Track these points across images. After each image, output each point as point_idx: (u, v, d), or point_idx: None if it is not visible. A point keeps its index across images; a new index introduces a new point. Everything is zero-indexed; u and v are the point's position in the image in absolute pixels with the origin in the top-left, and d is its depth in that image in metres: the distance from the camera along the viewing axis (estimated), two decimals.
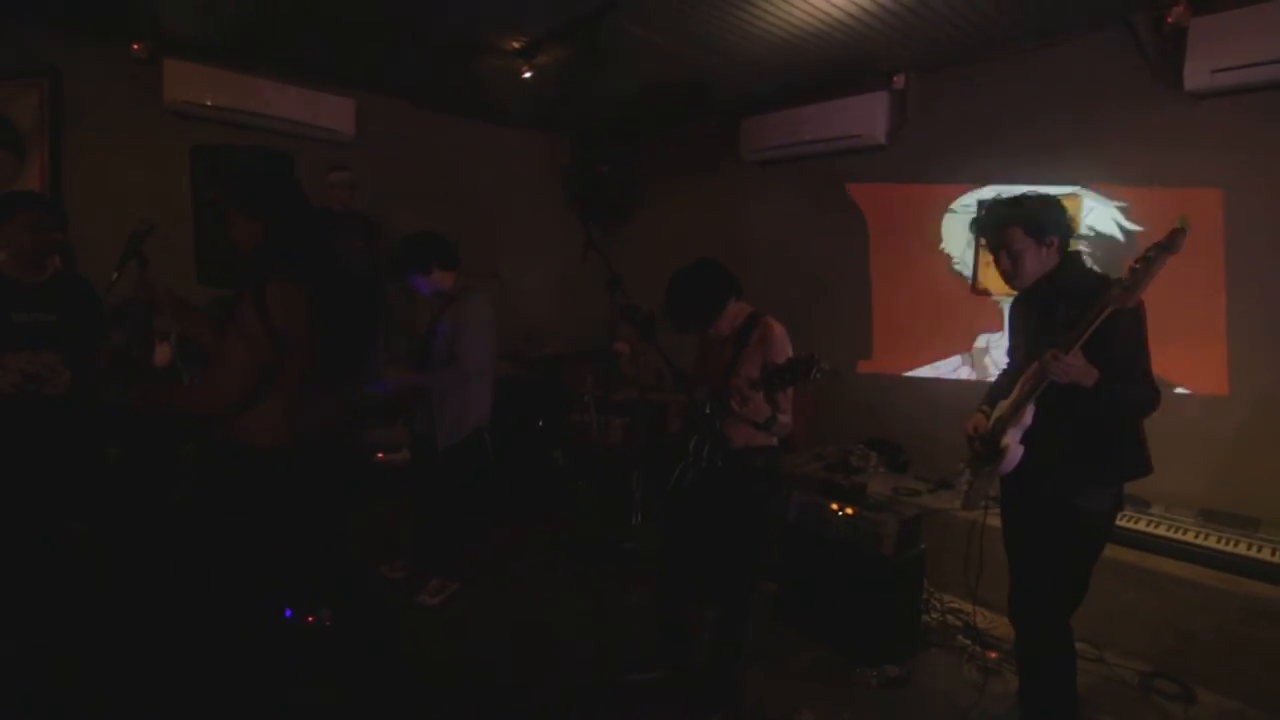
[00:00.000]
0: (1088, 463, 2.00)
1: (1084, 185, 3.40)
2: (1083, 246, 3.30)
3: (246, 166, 3.33)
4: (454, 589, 3.30)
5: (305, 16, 3.59)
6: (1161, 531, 2.95)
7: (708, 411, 2.38)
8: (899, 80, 4.01)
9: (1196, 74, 2.88)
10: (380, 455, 4.38)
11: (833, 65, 3.94)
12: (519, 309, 5.22)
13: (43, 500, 2.84)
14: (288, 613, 2.86)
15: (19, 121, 3.74)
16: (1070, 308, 1.94)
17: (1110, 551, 2.89)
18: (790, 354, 2.40)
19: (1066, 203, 2.13)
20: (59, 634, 2.72)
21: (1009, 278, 2.11)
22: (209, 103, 4.09)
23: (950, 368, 4.04)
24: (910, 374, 4.20)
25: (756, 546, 2.55)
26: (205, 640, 2.44)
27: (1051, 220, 2.05)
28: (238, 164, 3.56)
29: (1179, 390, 3.19)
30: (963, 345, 3.96)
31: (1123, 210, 3.35)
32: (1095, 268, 2.26)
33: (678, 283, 2.47)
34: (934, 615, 3.14)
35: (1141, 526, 2.98)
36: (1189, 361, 3.16)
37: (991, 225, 2.11)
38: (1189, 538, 2.88)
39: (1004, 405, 2.09)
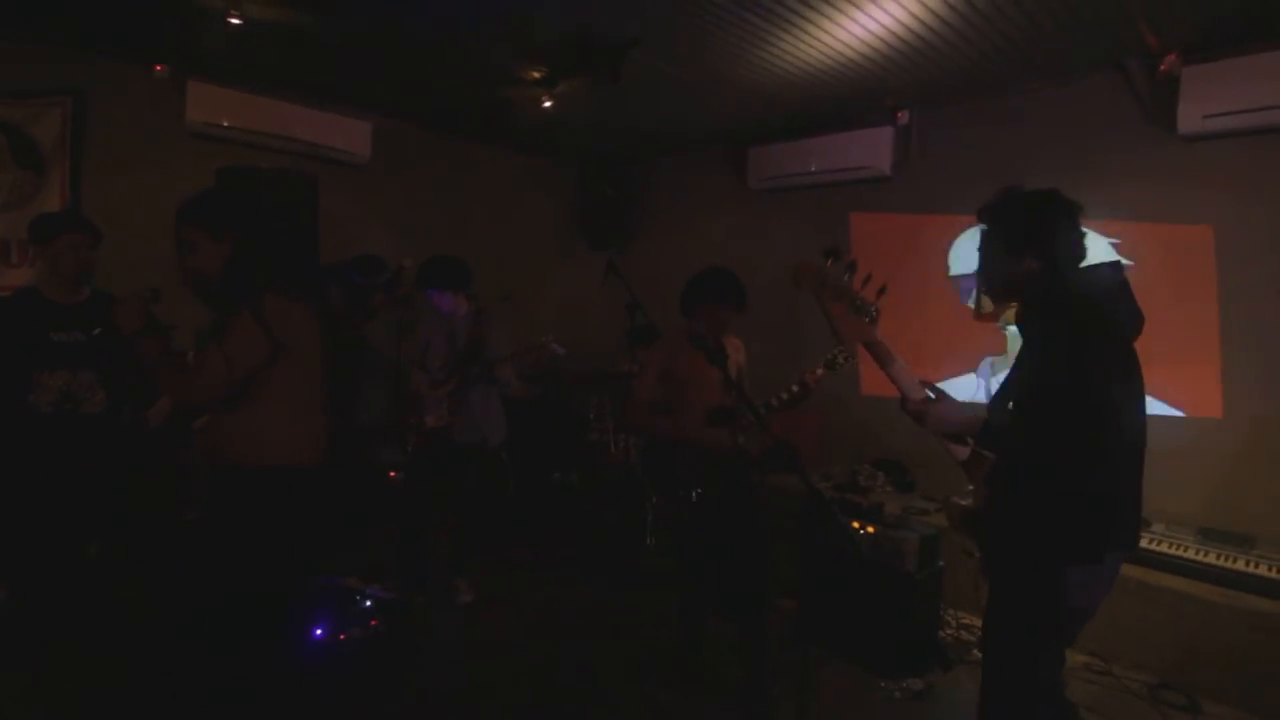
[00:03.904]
0: (1010, 536, 1.75)
1: (1081, 217, 3.59)
2: None
3: (209, 191, 3.40)
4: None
5: (326, 44, 3.67)
6: (1164, 549, 3.09)
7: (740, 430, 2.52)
8: (903, 116, 4.19)
9: (1189, 118, 3.09)
10: (392, 474, 4.40)
11: (842, 100, 4.12)
12: (527, 331, 5.29)
13: (67, 520, 2.84)
14: (318, 633, 2.89)
15: (40, 140, 3.74)
16: (1031, 333, 1.77)
17: None
18: None
19: None
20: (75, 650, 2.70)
21: (981, 280, 1.92)
22: (226, 124, 4.13)
23: (960, 389, 4.19)
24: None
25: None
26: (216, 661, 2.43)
27: (1020, 230, 1.77)
28: (265, 186, 3.62)
29: (1175, 413, 3.37)
30: (968, 365, 4.12)
31: (1115, 246, 3.53)
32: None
33: (731, 273, 2.71)
34: (949, 631, 3.24)
35: (1144, 544, 3.12)
36: (1184, 386, 3.34)
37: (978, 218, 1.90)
38: (1190, 555, 3.03)
39: None
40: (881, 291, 1.75)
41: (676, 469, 2.65)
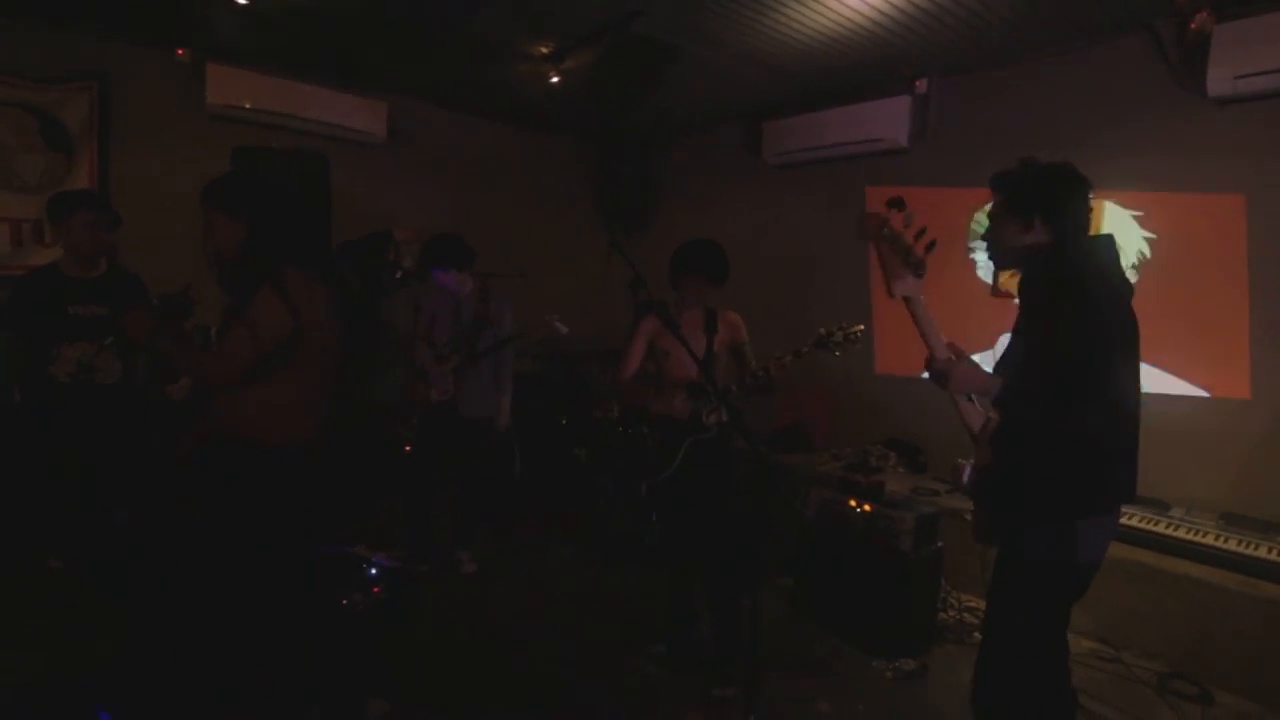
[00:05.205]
0: (1021, 493, 1.78)
1: (1104, 190, 3.42)
2: None
3: (231, 172, 3.48)
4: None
5: (341, 23, 3.72)
6: (1181, 534, 2.96)
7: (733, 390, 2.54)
8: (921, 85, 4.04)
9: (1220, 80, 2.90)
10: (408, 448, 4.50)
11: (855, 69, 3.99)
12: (541, 308, 5.34)
13: (94, 487, 2.99)
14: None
15: (69, 123, 3.89)
16: (1036, 303, 1.81)
17: (1129, 553, 2.93)
18: None
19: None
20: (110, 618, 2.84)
21: (988, 245, 1.95)
22: (248, 106, 4.23)
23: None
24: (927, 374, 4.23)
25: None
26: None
27: (1034, 197, 1.82)
28: (275, 165, 3.71)
29: (1200, 393, 3.20)
30: (983, 345, 3.99)
31: (1139, 218, 3.36)
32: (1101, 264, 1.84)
33: (714, 244, 2.72)
34: (951, 613, 3.18)
35: (1161, 529, 2.99)
36: (1210, 365, 3.17)
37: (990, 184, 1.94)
38: (1209, 540, 2.89)
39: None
40: (930, 248, 1.80)
41: (638, 445, 2.65)
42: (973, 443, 1.90)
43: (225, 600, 2.20)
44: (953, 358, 1.81)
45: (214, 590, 2.27)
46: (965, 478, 1.94)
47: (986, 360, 3.93)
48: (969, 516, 2.07)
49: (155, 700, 2.32)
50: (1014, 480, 1.79)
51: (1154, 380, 3.24)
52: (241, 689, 2.15)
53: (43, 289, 2.80)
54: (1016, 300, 1.93)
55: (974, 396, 1.87)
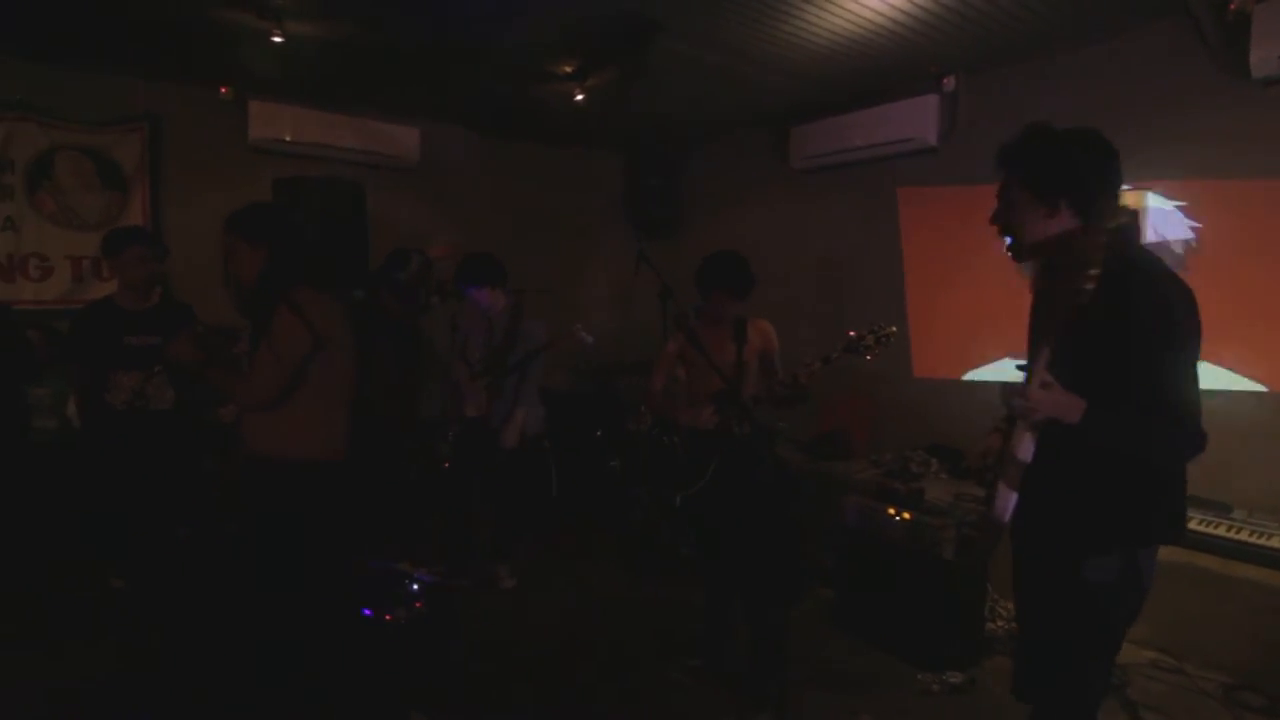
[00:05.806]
0: (1085, 519, 1.55)
1: (1145, 181, 3.30)
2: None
3: (256, 201, 3.55)
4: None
5: (371, 54, 3.84)
6: (1244, 537, 2.81)
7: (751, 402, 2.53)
8: (949, 82, 3.97)
9: (1263, 60, 2.77)
10: (447, 464, 4.58)
11: (880, 70, 3.94)
12: (573, 322, 5.39)
13: (155, 507, 3.12)
14: (366, 612, 3.06)
15: (124, 163, 4.11)
16: (1070, 305, 1.47)
17: (1190, 558, 2.80)
18: None
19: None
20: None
21: (1001, 234, 1.68)
22: (288, 138, 4.40)
23: (1010, 369, 3.95)
24: (969, 377, 4.12)
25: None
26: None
27: (1058, 177, 1.55)
28: (315, 194, 3.85)
29: (1257, 387, 3.05)
30: (1022, 349, 3.87)
31: (1183, 208, 3.22)
32: (1143, 255, 1.64)
33: (738, 258, 2.67)
34: (999, 623, 3.08)
35: (1223, 532, 2.85)
36: (1267, 358, 3.02)
37: (997, 161, 1.67)
38: (1274, 543, 2.74)
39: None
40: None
41: (668, 458, 2.64)
42: (1006, 463, 1.60)
43: (266, 613, 2.27)
44: (1045, 390, 1.46)
45: (254, 603, 2.34)
46: (1009, 512, 1.60)
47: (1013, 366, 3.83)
48: (971, 531, 1.87)
49: (199, 710, 2.40)
50: (1079, 505, 1.55)
51: (1209, 377, 3.08)
52: (283, 700, 2.21)
53: (100, 321, 2.96)
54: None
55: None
